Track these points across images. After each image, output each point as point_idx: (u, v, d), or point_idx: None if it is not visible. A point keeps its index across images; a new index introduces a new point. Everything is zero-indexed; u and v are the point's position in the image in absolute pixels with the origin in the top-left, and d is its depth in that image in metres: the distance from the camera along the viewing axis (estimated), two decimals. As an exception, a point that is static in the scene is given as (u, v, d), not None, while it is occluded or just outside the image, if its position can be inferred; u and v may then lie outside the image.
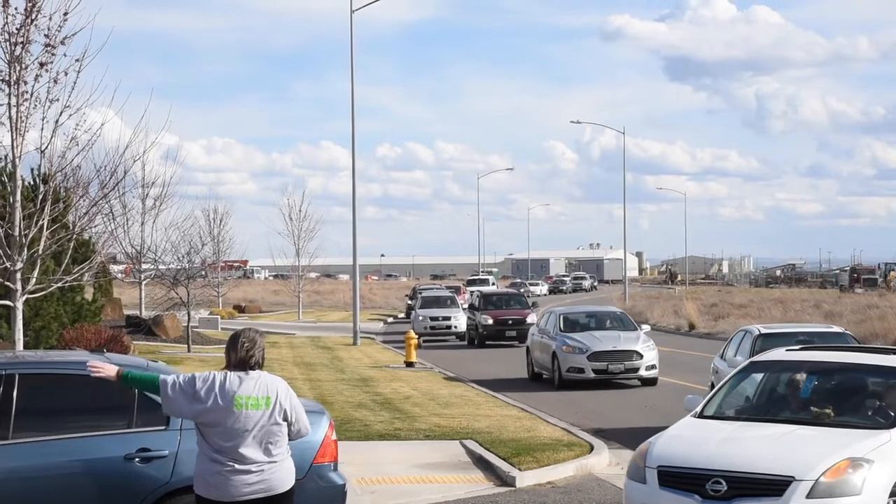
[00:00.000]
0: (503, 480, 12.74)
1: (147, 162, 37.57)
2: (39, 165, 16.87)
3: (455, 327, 41.32)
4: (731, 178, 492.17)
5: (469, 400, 20.33)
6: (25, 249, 16.01)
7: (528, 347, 26.73)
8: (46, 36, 15.81)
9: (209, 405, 6.54)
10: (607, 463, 13.96)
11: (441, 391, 21.94)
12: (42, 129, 16.09)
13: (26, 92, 15.76)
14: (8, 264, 15.92)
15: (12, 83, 15.68)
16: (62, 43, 15.91)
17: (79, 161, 16.85)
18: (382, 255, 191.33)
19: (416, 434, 15.94)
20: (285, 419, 6.70)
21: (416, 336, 30.16)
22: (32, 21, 15.71)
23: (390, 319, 57.51)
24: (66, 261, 17.60)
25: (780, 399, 10.19)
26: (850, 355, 10.60)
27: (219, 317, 45.46)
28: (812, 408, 9.67)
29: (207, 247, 46.72)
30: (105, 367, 7.03)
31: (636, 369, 23.39)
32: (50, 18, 15.80)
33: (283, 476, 6.69)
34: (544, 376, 24.91)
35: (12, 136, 15.87)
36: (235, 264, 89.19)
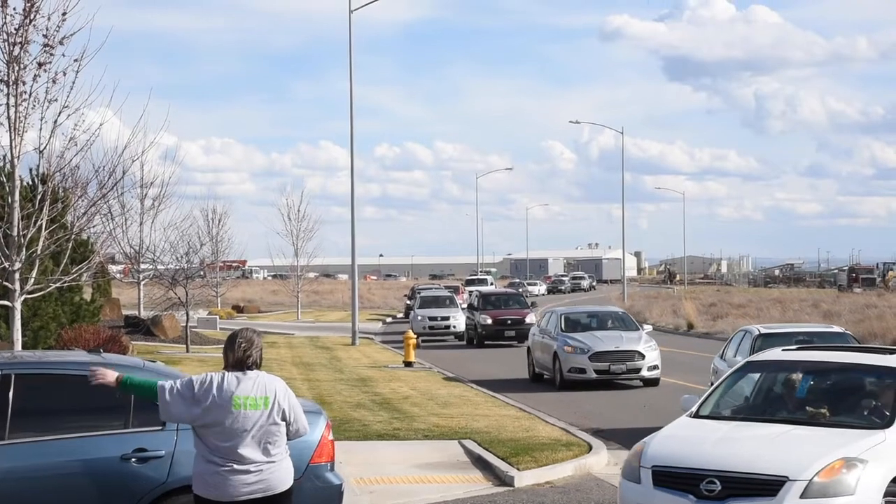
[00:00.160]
0: (502, 480, 12.75)
1: (146, 162, 37.61)
2: (38, 166, 16.88)
3: (454, 327, 41.29)
4: (730, 177, 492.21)
5: (468, 400, 20.33)
6: (24, 249, 16.01)
7: (528, 347, 26.61)
8: (45, 36, 15.83)
9: (208, 406, 6.54)
10: (606, 463, 13.96)
11: (440, 391, 21.94)
12: (41, 129, 16.12)
13: (25, 92, 15.77)
14: (6, 264, 15.92)
15: (11, 83, 15.68)
16: (61, 43, 15.92)
17: (77, 161, 16.88)
18: (381, 255, 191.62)
19: (414, 434, 15.95)
20: (284, 419, 6.70)
21: (415, 336, 30.15)
22: (31, 21, 15.72)
23: (389, 319, 57.51)
24: (64, 261, 17.60)
25: (776, 399, 10.19)
26: (845, 355, 10.60)
27: (217, 317, 45.45)
28: (807, 408, 9.68)
29: (206, 247, 46.71)
30: (105, 373, 7.05)
31: (638, 370, 23.26)
32: (48, 18, 15.82)
33: (281, 476, 6.69)
34: (545, 377, 24.80)
35: (11, 137, 15.87)
36: (234, 264, 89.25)
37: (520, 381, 25.23)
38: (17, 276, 16.06)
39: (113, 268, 43.53)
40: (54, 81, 15.88)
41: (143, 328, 35.63)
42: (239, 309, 60.80)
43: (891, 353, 10.43)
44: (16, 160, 16.00)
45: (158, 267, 37.30)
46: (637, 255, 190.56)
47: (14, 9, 15.67)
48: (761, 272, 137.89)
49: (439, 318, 41.54)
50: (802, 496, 8.22)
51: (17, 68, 15.65)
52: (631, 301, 64.24)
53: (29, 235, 16.04)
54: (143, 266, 40.22)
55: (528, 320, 37.25)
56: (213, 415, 6.54)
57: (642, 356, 23.33)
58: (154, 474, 7.98)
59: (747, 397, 10.36)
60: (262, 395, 6.63)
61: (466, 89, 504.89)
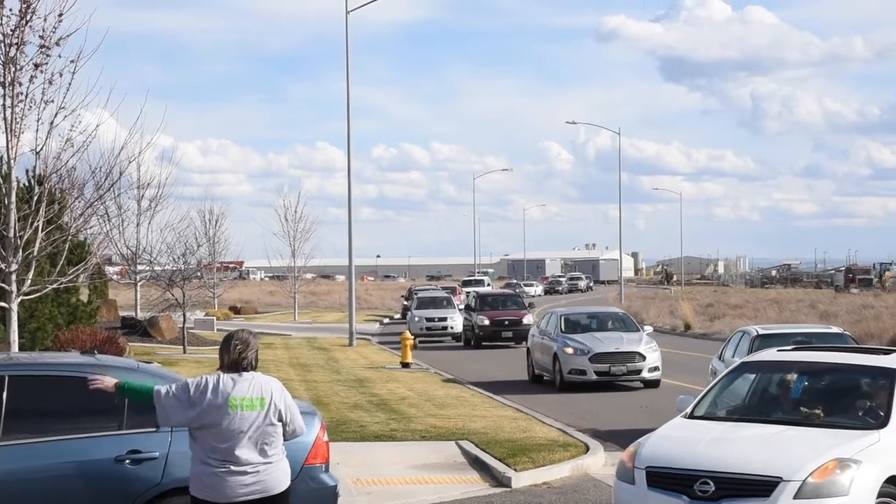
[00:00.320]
0: (499, 481, 12.74)
1: (142, 163, 37.72)
2: (34, 167, 16.86)
3: (451, 328, 41.27)
4: (727, 178, 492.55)
5: (465, 401, 20.33)
6: (20, 251, 16.00)
7: (528, 349, 26.51)
8: (41, 37, 15.81)
9: (204, 408, 6.53)
10: (603, 463, 13.96)
11: (437, 392, 21.93)
12: (37, 130, 16.10)
13: (21, 93, 15.76)
14: (3, 266, 15.91)
15: (7, 84, 15.67)
16: (57, 44, 15.91)
17: (74, 162, 16.87)
18: (378, 256, 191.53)
19: (412, 435, 15.94)
20: (280, 419, 6.70)
21: (412, 337, 30.13)
22: (27, 22, 15.70)
23: (386, 320, 57.50)
24: (61, 262, 17.59)
25: (771, 399, 10.19)
26: (840, 356, 10.60)
27: (214, 318, 45.41)
28: (802, 408, 9.68)
29: (203, 248, 46.81)
30: (104, 379, 7.06)
31: (639, 371, 23.15)
32: (45, 19, 15.81)
33: (278, 477, 6.69)
34: (545, 378, 24.71)
35: (7, 138, 15.86)
36: (231, 265, 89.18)
37: (519, 383, 25.16)
38: (13, 277, 16.04)
39: (110, 269, 43.51)
40: (51, 82, 15.87)
41: (139, 329, 35.61)
42: (236, 310, 60.79)
43: (885, 354, 10.44)
44: (12, 161, 15.98)
45: (155, 268, 37.28)
46: (634, 255, 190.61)
47: (10, 9, 15.67)
48: (758, 273, 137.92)
49: (436, 319, 41.51)
50: (796, 497, 8.22)
51: (13, 69, 15.64)
52: (628, 302, 64.26)
53: (25, 237, 16.02)
54: (139, 267, 40.21)
55: (525, 321, 37.26)
56: (209, 417, 6.53)
57: (643, 357, 23.21)
58: (148, 476, 7.97)
59: (742, 398, 10.36)
60: (259, 396, 6.63)
61: (463, 90, 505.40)
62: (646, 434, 9.82)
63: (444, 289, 56.96)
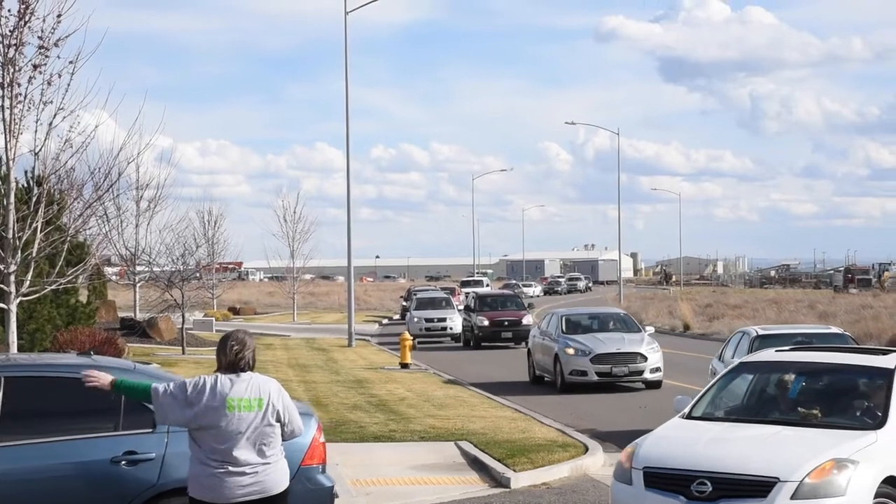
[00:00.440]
0: (498, 482, 12.75)
1: (141, 164, 37.67)
2: (33, 168, 16.87)
3: (450, 329, 41.27)
4: (726, 178, 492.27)
5: (464, 401, 20.33)
6: (19, 252, 16.00)
7: (529, 350, 26.44)
8: (40, 38, 15.81)
9: (202, 408, 6.53)
10: (602, 464, 13.96)
11: (436, 392, 21.94)
12: (36, 131, 16.10)
13: (20, 94, 15.76)
14: (1, 267, 15.91)
15: (6, 85, 15.67)
16: (56, 45, 15.92)
17: (73, 163, 16.88)
18: (377, 257, 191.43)
19: (411, 435, 15.95)
20: (278, 420, 6.69)
21: (412, 338, 30.12)
22: (26, 23, 15.70)
23: (385, 321, 57.52)
24: (60, 263, 17.59)
25: (769, 400, 10.20)
26: (838, 356, 10.61)
27: (213, 319, 45.42)
28: (800, 408, 9.68)
29: (202, 249, 46.75)
30: (99, 376, 7.03)
31: (640, 372, 23.06)
32: (43, 20, 15.81)
33: (277, 477, 6.68)
34: (546, 379, 24.66)
35: (6, 139, 15.86)
36: (230, 266, 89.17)
37: (519, 384, 25.12)
38: (12, 278, 16.04)
39: (109, 270, 43.47)
40: (49, 83, 15.87)
41: (139, 330, 35.62)
42: (235, 311, 60.77)
43: (883, 354, 10.44)
44: (11, 162, 15.99)
45: (154, 269, 37.27)
46: (633, 256, 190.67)
47: (9, 10, 15.67)
48: (757, 273, 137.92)
49: (436, 320, 41.50)
50: (793, 497, 8.22)
51: (11, 70, 15.64)
52: (627, 302, 64.29)
53: (24, 238, 16.02)
54: (138, 268, 40.18)
55: (524, 322, 37.28)
56: (207, 417, 6.53)
57: (644, 358, 23.12)
58: (144, 477, 7.97)
59: (740, 398, 10.36)
60: (256, 397, 6.62)
61: (462, 91, 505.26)
62: (645, 435, 9.83)
63: (443, 289, 56.95)
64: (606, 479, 12.74)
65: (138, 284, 40.69)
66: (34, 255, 16.30)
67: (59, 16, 15.82)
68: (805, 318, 42.03)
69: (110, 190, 19.01)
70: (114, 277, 44.49)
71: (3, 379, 8.09)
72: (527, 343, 27.68)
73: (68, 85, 15.95)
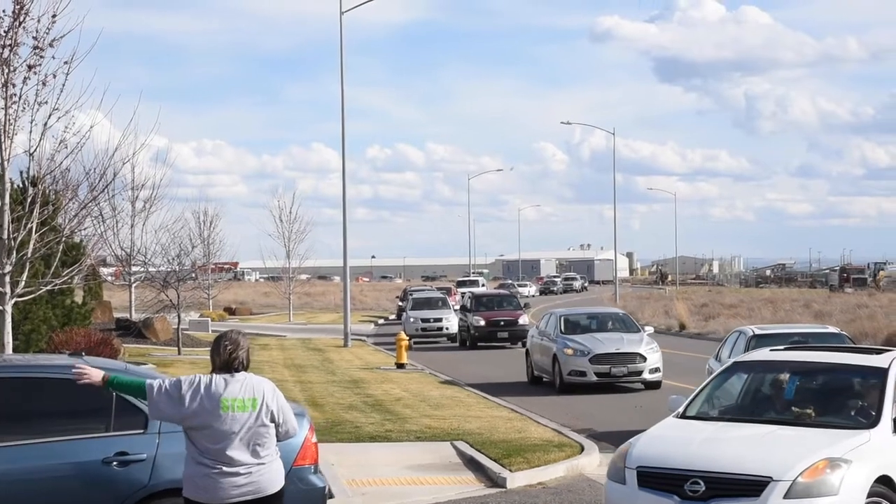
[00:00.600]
0: (494, 481, 12.75)
1: (136, 164, 37.57)
2: (28, 168, 16.87)
3: (446, 329, 41.24)
4: (722, 178, 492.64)
5: (460, 401, 20.32)
6: (14, 252, 15.99)
7: (527, 350, 26.33)
8: (34, 38, 15.81)
9: (195, 408, 6.52)
10: (598, 463, 13.95)
11: (432, 393, 21.93)
12: (30, 131, 16.12)
13: (14, 94, 15.76)
14: (-3, 267, 15.89)
15: (0, 86, 15.65)
16: (50, 45, 15.91)
17: (68, 164, 16.92)
18: (373, 257, 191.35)
19: (406, 435, 15.94)
20: (272, 420, 6.68)
21: (408, 338, 30.10)
22: (20, 23, 15.70)
23: (381, 321, 57.49)
24: (55, 264, 17.58)
25: (763, 399, 10.20)
26: (832, 355, 10.61)
27: (209, 319, 45.40)
28: (793, 408, 9.69)
29: (197, 249, 46.74)
30: (91, 372, 7.01)
31: (639, 372, 22.95)
32: (38, 21, 15.81)
33: (271, 477, 6.68)
34: (544, 379, 24.57)
35: (1, 139, 15.84)
36: (226, 266, 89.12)
37: (517, 384, 25.06)
38: (7, 278, 16.03)
39: (104, 270, 43.44)
40: (44, 84, 15.88)
41: (134, 331, 35.59)
42: (231, 311, 60.74)
43: (877, 353, 10.45)
44: (6, 163, 15.97)
45: (150, 269, 37.24)
46: (629, 255, 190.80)
47: (3, 11, 15.68)
48: (753, 272, 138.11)
49: (432, 320, 41.48)
50: (786, 496, 8.24)
51: (6, 71, 15.64)
52: (623, 302, 64.29)
53: (19, 238, 16.01)
54: (134, 268, 40.16)
55: (521, 322, 37.25)
56: (201, 417, 6.52)
57: (644, 358, 23.01)
58: (136, 478, 7.96)
59: (734, 398, 10.37)
60: (250, 397, 6.62)
61: (458, 91, 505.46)
62: (638, 434, 9.83)
63: (439, 289, 56.94)
64: (602, 479, 12.71)
65: (134, 285, 40.65)
66: (29, 255, 16.29)
67: (53, 16, 15.83)
68: (801, 318, 42.06)
69: (105, 190, 19.01)
70: (109, 278, 44.47)
71: None
72: (524, 343, 27.58)
73: (63, 85, 15.98)
